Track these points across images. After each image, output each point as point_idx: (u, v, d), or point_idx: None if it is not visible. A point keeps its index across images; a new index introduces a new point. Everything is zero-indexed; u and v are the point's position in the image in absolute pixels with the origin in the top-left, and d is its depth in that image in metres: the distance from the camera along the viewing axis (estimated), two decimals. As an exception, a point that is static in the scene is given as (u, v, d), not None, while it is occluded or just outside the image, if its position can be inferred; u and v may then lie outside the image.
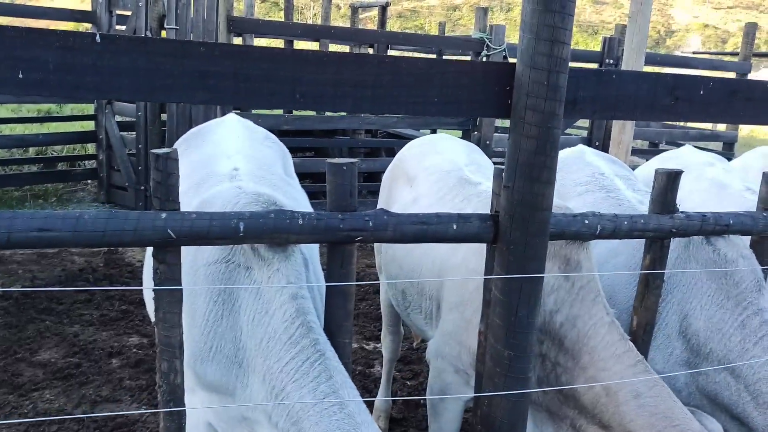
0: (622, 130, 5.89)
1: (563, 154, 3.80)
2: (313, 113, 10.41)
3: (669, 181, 2.52)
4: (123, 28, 8.51)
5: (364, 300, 6.19)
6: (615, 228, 2.43)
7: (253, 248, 2.13)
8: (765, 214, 2.71)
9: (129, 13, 8.19)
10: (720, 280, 2.57)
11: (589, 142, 9.21)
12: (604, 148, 8.25)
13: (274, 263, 2.04)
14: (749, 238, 2.80)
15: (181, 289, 1.94)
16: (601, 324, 2.37)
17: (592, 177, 3.43)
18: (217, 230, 1.90)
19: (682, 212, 2.55)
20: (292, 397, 1.85)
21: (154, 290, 1.94)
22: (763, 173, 2.79)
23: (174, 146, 3.20)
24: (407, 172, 3.50)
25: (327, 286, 2.16)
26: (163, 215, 1.86)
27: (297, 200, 2.78)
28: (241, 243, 2.01)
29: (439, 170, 3.27)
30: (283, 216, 2.00)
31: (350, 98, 1.99)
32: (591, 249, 2.48)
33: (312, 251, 2.46)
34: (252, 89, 1.87)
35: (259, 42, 15.39)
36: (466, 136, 8.80)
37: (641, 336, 2.64)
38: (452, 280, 2.72)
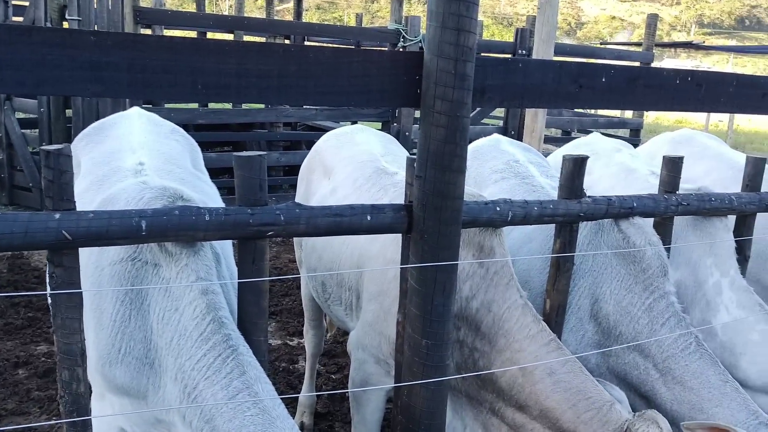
0: (535, 119, 6.04)
1: (479, 143, 3.87)
2: (229, 106, 10.18)
3: (576, 167, 2.58)
4: (20, 19, 8.02)
5: (288, 296, 6.11)
6: (526, 214, 2.47)
7: (160, 244, 2.04)
8: (666, 197, 2.83)
9: (27, 3, 7.73)
10: (629, 266, 2.67)
11: (504, 131, 9.43)
12: (519, 136, 8.45)
13: (183, 259, 1.97)
14: (653, 220, 2.93)
15: (81, 293, 1.83)
16: (515, 307, 2.41)
17: (507, 165, 3.50)
18: (116, 230, 1.81)
19: (589, 197, 2.63)
20: (205, 395, 1.80)
21: (51, 296, 1.83)
22: (663, 157, 2.91)
23: (74, 142, 3.04)
24: (324, 163, 3.46)
25: (239, 283, 2.10)
26: (57, 216, 1.75)
27: (207, 195, 2.69)
28: (144, 242, 1.92)
29: (356, 161, 3.24)
30: (189, 212, 1.92)
31: (255, 89, 1.93)
32: (503, 234, 2.52)
33: (224, 246, 2.39)
34: (149, 81, 1.78)
35: (170, 34, 14.88)
36: (385, 128, 8.83)
37: (554, 318, 2.71)
38: (369, 270, 2.71)
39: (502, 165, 3.50)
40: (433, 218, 2.19)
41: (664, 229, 2.90)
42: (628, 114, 11.74)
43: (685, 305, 3.04)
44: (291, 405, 4.37)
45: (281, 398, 1.89)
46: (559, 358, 2.32)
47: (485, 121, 10.46)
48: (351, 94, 2.17)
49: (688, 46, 16.64)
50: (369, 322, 2.71)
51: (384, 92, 2.19)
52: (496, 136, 3.89)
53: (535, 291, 2.85)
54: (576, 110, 11.85)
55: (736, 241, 3.16)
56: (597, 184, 3.79)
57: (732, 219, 3.17)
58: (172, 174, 2.57)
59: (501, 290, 2.44)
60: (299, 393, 4.33)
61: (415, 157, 2.24)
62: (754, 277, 3.78)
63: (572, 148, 4.25)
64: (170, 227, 1.89)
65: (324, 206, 2.16)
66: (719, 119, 25.65)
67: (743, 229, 3.14)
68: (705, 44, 16.30)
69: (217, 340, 1.87)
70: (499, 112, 10.44)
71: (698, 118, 25.99)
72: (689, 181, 3.40)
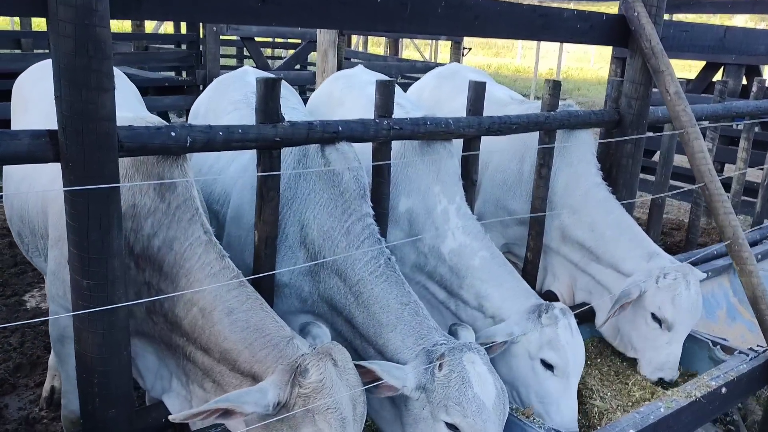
0: (325, 59, 5.89)
1: (226, 75, 3.70)
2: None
3: (268, 89, 2.43)
4: None
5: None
6: (208, 139, 2.30)
7: None
8: (377, 120, 2.76)
9: None
10: (330, 190, 2.59)
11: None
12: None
13: None
14: (369, 146, 2.86)
15: None
16: (198, 243, 2.25)
17: (244, 96, 3.32)
18: None
19: (288, 121, 2.50)
20: None
21: None
22: (376, 81, 2.84)
23: None
24: (25, 98, 3.08)
25: None
26: None
27: None
28: None
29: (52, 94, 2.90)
30: None
31: None
32: (187, 164, 2.32)
33: None
34: None
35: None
36: (190, 74, 8.34)
37: (264, 250, 2.59)
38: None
39: (240, 96, 3.33)
40: (75, 144, 1.95)
41: (382, 155, 2.85)
42: (445, 59, 11.97)
43: (417, 232, 3.05)
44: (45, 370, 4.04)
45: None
46: (239, 297, 2.20)
47: (299, 66, 10.22)
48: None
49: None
50: (53, 270, 2.45)
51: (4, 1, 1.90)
52: (245, 67, 3.72)
53: (248, 224, 2.71)
54: (397, 56, 11.91)
55: (462, 165, 3.20)
56: (348, 115, 3.72)
57: (459, 145, 3.20)
58: None
59: (183, 226, 2.26)
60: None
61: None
62: (502, 204, 3.92)
63: (333, 80, 4.16)
64: None
65: (-66, 135, 1.85)
66: (549, 67, 27.16)
67: (469, 153, 3.18)
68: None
69: None
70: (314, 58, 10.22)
71: (529, 65, 27.33)
72: (451, 113, 3.39)
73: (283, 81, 3.65)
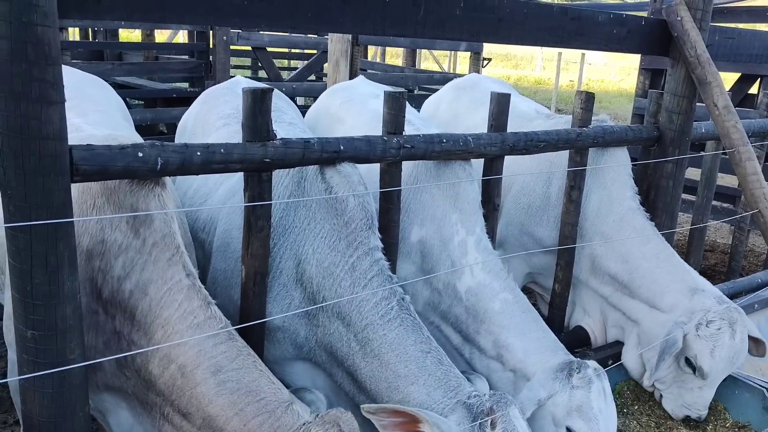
0: (336, 69, 5.56)
1: (216, 87, 3.39)
2: None
3: (257, 102, 2.09)
4: None
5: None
6: (184, 161, 1.95)
7: None
8: (386, 138, 2.41)
9: None
10: (332, 220, 2.24)
11: (334, 87, 8.91)
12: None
13: None
14: (376, 167, 2.51)
15: None
16: (178, 288, 1.91)
17: (236, 110, 3.00)
18: None
19: (280, 139, 2.15)
20: None
21: None
22: (384, 92, 2.49)
23: None
24: None
25: None
26: None
27: None
28: None
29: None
30: None
31: None
32: (167, 193, 1.98)
33: None
34: None
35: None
36: (199, 84, 8.06)
37: (252, 288, 2.24)
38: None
39: (230, 110, 3.00)
40: (14, 167, 1.61)
41: (391, 178, 2.49)
42: (465, 71, 11.62)
43: (431, 266, 2.69)
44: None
45: None
46: (227, 353, 1.85)
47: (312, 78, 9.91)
48: None
49: None
50: (8, 313, 2.12)
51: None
52: (237, 77, 3.39)
53: (237, 253, 2.36)
54: (414, 68, 11.58)
55: (483, 188, 2.83)
56: (350, 133, 3.36)
57: (478, 167, 2.83)
58: None
59: (161, 267, 1.92)
60: None
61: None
62: (526, 230, 3.54)
63: (330, 93, 3.80)
64: None
65: None
66: (570, 79, 26.68)
67: (491, 175, 2.80)
68: None
69: None
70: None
71: (549, 77, 26.89)
72: (470, 129, 3.04)
73: (277, 92, 3.34)
